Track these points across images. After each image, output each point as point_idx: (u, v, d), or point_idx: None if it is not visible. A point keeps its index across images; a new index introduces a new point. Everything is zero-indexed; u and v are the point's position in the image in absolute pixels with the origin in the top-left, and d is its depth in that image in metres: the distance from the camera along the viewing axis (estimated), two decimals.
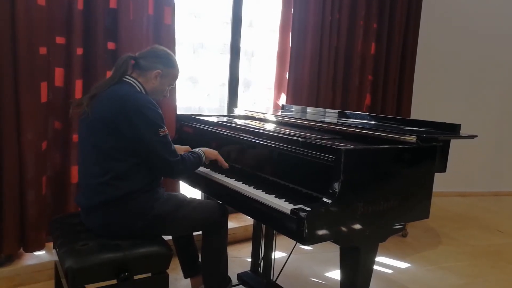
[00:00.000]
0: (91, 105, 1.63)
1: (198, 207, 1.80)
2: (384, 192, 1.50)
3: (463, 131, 1.87)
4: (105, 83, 1.70)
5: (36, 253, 2.28)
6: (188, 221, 1.78)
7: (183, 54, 2.85)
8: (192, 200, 1.83)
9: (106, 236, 1.60)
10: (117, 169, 1.60)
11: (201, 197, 2.55)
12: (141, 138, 1.58)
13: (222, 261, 1.88)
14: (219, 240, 1.85)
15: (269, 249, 2.24)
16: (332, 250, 2.77)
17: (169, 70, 1.79)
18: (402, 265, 2.78)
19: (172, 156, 1.65)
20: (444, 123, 1.88)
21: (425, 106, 4.18)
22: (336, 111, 2.55)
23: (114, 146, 1.59)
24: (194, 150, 1.82)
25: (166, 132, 1.64)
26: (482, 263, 2.89)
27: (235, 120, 2.41)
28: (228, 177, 1.78)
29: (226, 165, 1.87)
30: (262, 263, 2.28)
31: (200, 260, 1.97)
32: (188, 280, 2.12)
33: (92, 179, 1.62)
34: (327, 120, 2.19)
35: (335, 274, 2.55)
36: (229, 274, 1.93)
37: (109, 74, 2.30)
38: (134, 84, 1.72)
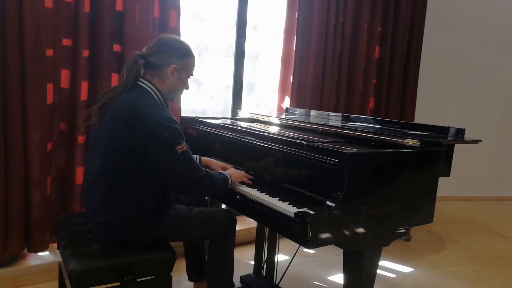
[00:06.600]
0: (100, 116, 1.51)
1: (205, 221, 1.72)
2: (388, 196, 1.50)
3: (467, 136, 1.86)
4: (116, 90, 1.54)
5: (40, 253, 2.29)
6: (195, 235, 1.78)
7: None
8: (199, 213, 1.73)
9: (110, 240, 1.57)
10: (124, 193, 1.50)
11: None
12: (156, 160, 1.45)
13: (228, 269, 1.86)
14: (226, 248, 1.81)
15: (272, 251, 2.23)
16: (335, 254, 2.77)
17: (185, 60, 1.63)
18: (406, 269, 2.77)
19: (194, 172, 1.51)
20: (448, 127, 1.88)
21: (429, 110, 4.17)
22: (340, 114, 2.55)
23: (123, 170, 1.48)
24: (222, 172, 1.70)
25: (185, 147, 1.48)
26: (486, 268, 2.88)
27: (239, 122, 2.41)
28: None
29: (250, 182, 1.74)
30: (265, 265, 2.28)
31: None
32: (191, 282, 2.11)
33: (97, 196, 1.53)
34: (330, 123, 2.19)
35: (338, 278, 2.55)
36: None
37: (114, 76, 2.32)
38: (150, 90, 1.56)
